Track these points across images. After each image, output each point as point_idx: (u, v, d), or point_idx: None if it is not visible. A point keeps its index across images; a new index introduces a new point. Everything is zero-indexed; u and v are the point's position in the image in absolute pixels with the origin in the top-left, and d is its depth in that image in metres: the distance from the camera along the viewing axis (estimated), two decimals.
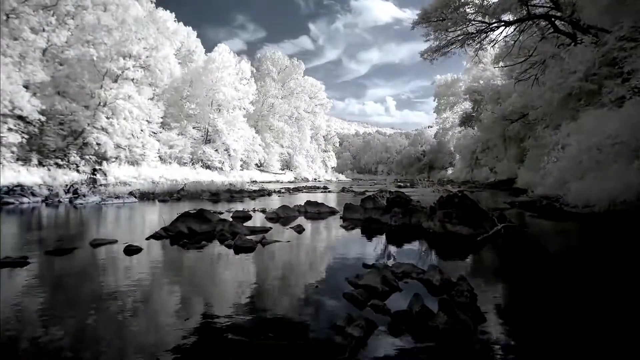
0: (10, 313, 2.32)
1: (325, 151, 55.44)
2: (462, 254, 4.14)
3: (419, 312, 2.06)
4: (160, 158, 26.13)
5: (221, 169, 31.01)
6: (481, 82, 30.49)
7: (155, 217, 8.08)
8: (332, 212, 7.83)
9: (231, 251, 4.10)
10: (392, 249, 4.46)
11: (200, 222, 5.22)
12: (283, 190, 17.79)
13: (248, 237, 4.54)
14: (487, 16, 14.82)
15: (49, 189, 11.89)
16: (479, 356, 1.77)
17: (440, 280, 2.78)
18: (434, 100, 43.84)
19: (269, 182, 32.43)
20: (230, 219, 6.05)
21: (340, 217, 6.85)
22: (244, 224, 5.71)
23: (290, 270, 3.45)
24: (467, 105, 36.83)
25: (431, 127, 59.78)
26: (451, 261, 3.74)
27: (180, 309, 2.42)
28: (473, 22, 15.19)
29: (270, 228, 5.61)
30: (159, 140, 25.97)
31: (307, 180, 42.54)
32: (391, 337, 1.91)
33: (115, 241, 4.54)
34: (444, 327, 1.94)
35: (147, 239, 4.76)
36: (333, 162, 57.96)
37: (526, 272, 3.41)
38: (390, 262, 3.37)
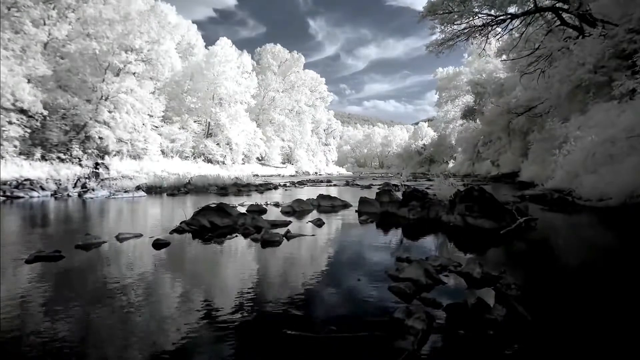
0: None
1: (326, 144, 55.40)
2: (489, 248, 4.15)
3: (475, 305, 2.08)
4: (162, 152, 26.06)
5: (223, 162, 30.97)
6: (484, 75, 30.41)
7: (168, 210, 8.08)
8: (345, 205, 7.86)
9: (258, 245, 4.10)
10: (417, 242, 4.49)
11: (222, 216, 5.22)
12: (289, 184, 17.80)
13: (273, 231, 4.55)
14: (493, 9, 14.77)
15: (56, 183, 11.84)
16: (542, 349, 1.78)
17: (481, 274, 2.80)
18: (436, 94, 43.78)
19: (271, 175, 32.43)
20: (246, 213, 6.04)
21: (356, 211, 6.86)
22: (262, 218, 5.71)
23: (324, 264, 3.45)
24: (468, 98, 36.77)
25: (431, 120, 59.70)
26: (480, 254, 3.75)
27: (237, 303, 2.43)
28: (479, 15, 15.12)
29: (290, 222, 5.62)
30: (160, 134, 25.87)
31: (308, 173, 42.62)
32: (452, 330, 1.92)
33: (140, 235, 4.54)
34: (502, 320, 1.96)
35: (171, 232, 4.76)
36: (334, 155, 57.98)
37: (562, 266, 3.43)
38: (424, 256, 3.38)
